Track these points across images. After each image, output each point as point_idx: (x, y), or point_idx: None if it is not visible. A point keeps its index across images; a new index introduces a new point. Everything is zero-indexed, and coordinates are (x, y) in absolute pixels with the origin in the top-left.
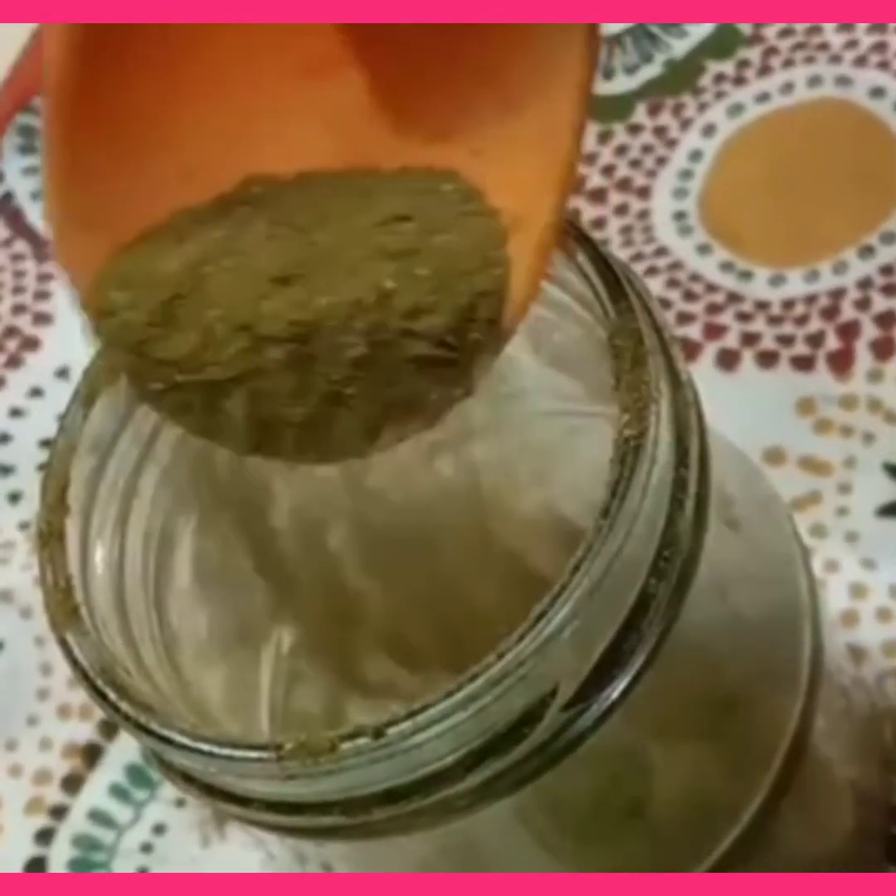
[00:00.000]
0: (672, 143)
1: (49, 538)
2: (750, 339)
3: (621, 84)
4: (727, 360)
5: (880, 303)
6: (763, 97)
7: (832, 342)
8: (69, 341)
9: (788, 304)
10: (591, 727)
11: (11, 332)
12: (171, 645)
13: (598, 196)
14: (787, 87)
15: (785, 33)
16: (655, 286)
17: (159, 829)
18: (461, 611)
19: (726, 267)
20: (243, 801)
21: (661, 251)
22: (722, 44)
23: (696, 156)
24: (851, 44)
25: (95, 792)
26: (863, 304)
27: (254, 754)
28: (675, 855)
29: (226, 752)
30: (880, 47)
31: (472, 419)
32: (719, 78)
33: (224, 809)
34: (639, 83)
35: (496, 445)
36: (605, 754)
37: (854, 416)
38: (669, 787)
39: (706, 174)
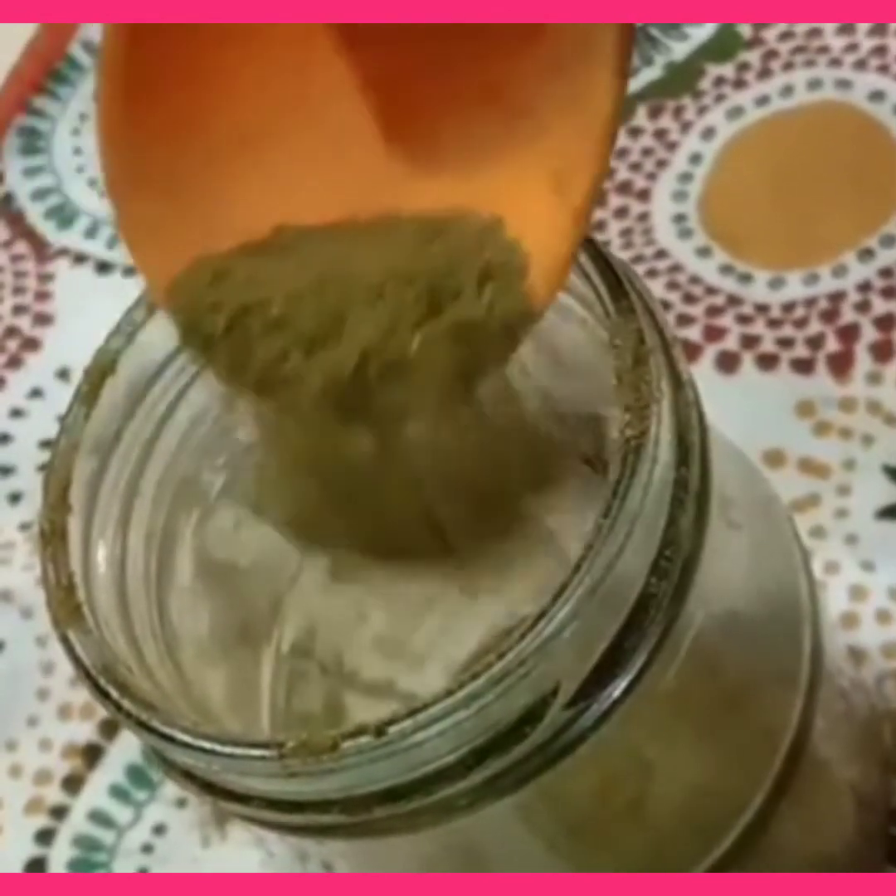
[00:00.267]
0: (672, 146)
1: (51, 537)
2: (750, 341)
3: None
4: (727, 363)
5: (880, 305)
6: (763, 100)
7: (832, 345)
8: (69, 342)
9: (788, 307)
10: (592, 726)
11: (12, 332)
12: (173, 643)
13: (598, 199)
14: (787, 90)
15: (785, 36)
16: (655, 289)
17: (159, 830)
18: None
19: (726, 269)
20: (244, 799)
21: (661, 254)
22: (722, 47)
23: (696, 159)
24: (851, 47)
25: (96, 792)
26: (862, 307)
27: (255, 752)
28: (675, 855)
29: (227, 750)
30: (880, 50)
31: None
32: (719, 81)
33: (225, 808)
34: (639, 86)
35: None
36: (606, 753)
37: (853, 418)
38: (669, 787)
39: (706, 177)
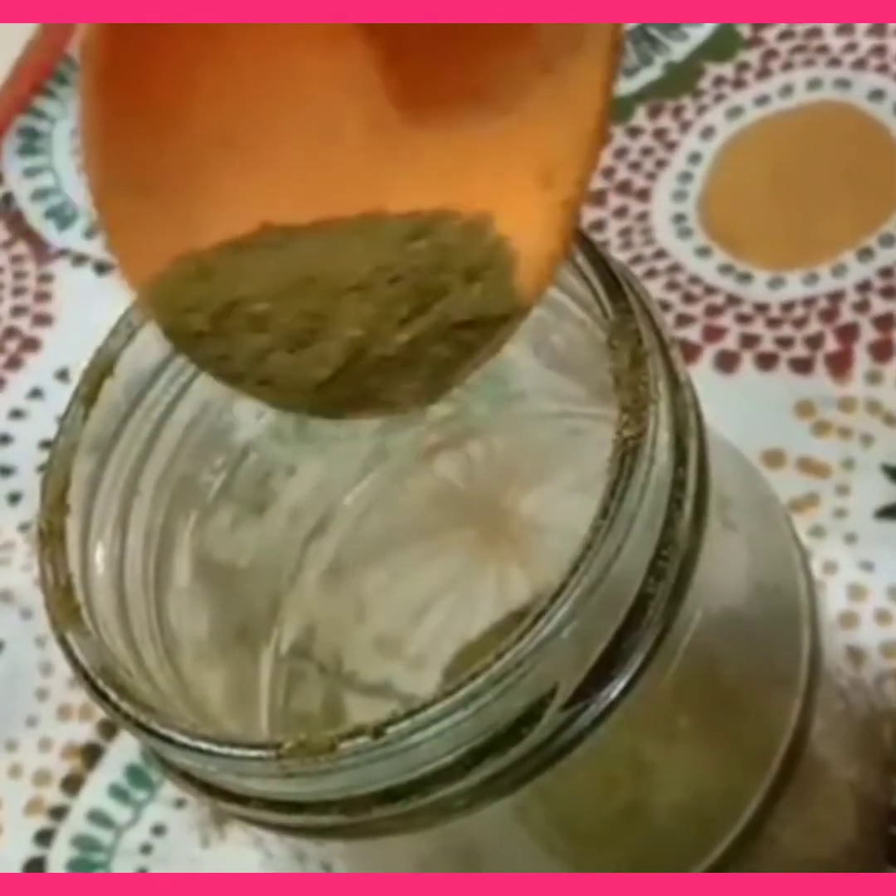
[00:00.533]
0: (671, 146)
1: (49, 538)
2: (749, 341)
3: (621, 86)
4: (726, 362)
5: (879, 305)
6: (762, 100)
7: (831, 344)
8: (69, 342)
9: (787, 307)
10: (589, 727)
11: (11, 333)
12: (171, 644)
13: (598, 199)
14: (787, 90)
15: (784, 36)
16: (655, 288)
17: (159, 830)
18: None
19: (725, 269)
20: (243, 799)
21: (661, 253)
22: (721, 46)
23: (695, 158)
24: (851, 47)
25: (95, 792)
26: (862, 307)
27: (254, 753)
28: (674, 855)
29: (226, 751)
30: (879, 50)
31: (472, 419)
32: (719, 80)
33: (224, 808)
34: (638, 86)
35: (496, 446)
36: (604, 754)
37: (853, 418)
38: (669, 787)
39: (705, 177)
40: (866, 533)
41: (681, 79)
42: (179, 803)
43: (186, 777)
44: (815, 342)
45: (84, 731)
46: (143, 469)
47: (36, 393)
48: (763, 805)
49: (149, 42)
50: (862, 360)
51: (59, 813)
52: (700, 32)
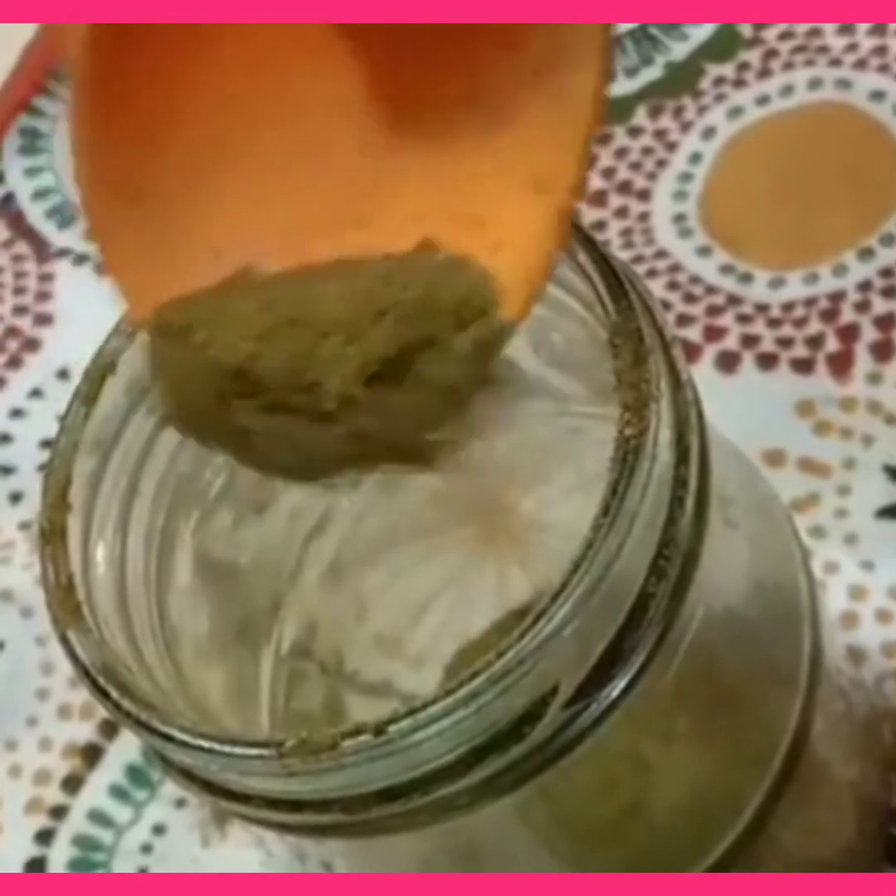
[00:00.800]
0: (672, 146)
1: (51, 536)
2: (750, 341)
3: (621, 86)
4: (727, 362)
5: (880, 305)
6: (763, 100)
7: (832, 344)
8: (70, 342)
9: (788, 307)
10: (591, 726)
11: (12, 332)
12: (172, 643)
13: (599, 199)
14: (787, 90)
15: (785, 36)
16: (656, 288)
17: (159, 830)
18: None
19: (726, 269)
20: (244, 798)
21: (661, 253)
22: (722, 46)
23: (696, 158)
24: (852, 47)
25: (95, 792)
26: (862, 307)
27: (255, 751)
28: (675, 854)
29: (227, 749)
30: (880, 50)
31: (472, 419)
32: (719, 80)
33: (224, 807)
34: (639, 85)
35: (496, 444)
36: (605, 753)
37: (853, 418)
38: (669, 787)
39: (706, 177)
40: (867, 533)
41: (681, 79)
42: (180, 803)
43: (187, 775)
44: (815, 342)
45: (84, 731)
46: (144, 468)
47: (36, 392)
48: (763, 804)
49: (140, 52)
50: (863, 360)
51: (59, 812)
52: (701, 32)
